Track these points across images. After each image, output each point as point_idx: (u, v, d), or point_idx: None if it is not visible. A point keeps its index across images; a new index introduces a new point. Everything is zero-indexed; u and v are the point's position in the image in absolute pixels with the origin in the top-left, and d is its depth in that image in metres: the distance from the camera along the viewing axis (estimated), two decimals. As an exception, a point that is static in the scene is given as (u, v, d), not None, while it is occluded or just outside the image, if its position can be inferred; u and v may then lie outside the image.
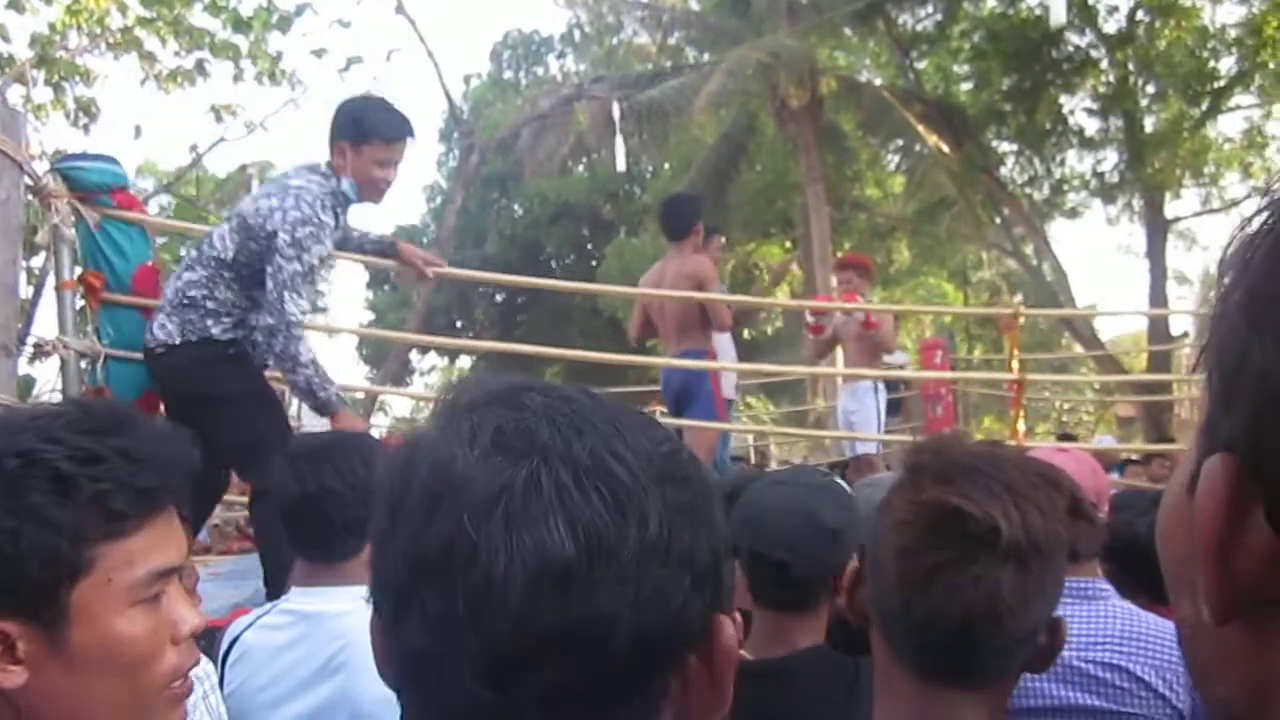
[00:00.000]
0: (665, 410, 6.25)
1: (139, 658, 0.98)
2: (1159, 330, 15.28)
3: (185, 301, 3.15)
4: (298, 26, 11.60)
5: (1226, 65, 15.44)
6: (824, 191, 15.51)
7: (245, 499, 3.78)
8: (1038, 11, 14.91)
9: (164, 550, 1.00)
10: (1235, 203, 17.20)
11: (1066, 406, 21.47)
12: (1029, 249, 18.46)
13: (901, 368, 8.07)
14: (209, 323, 3.13)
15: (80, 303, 3.67)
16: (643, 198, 20.84)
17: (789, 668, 1.60)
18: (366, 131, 3.14)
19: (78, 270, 3.64)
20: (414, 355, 22.95)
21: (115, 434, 0.98)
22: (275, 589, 2.81)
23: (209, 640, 2.01)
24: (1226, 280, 0.43)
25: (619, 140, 13.37)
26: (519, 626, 0.53)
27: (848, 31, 17.26)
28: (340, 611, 1.78)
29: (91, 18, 10.49)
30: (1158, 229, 16.69)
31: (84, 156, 3.74)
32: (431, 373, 25.50)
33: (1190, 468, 0.45)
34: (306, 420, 3.59)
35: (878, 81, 17.52)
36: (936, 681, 1.03)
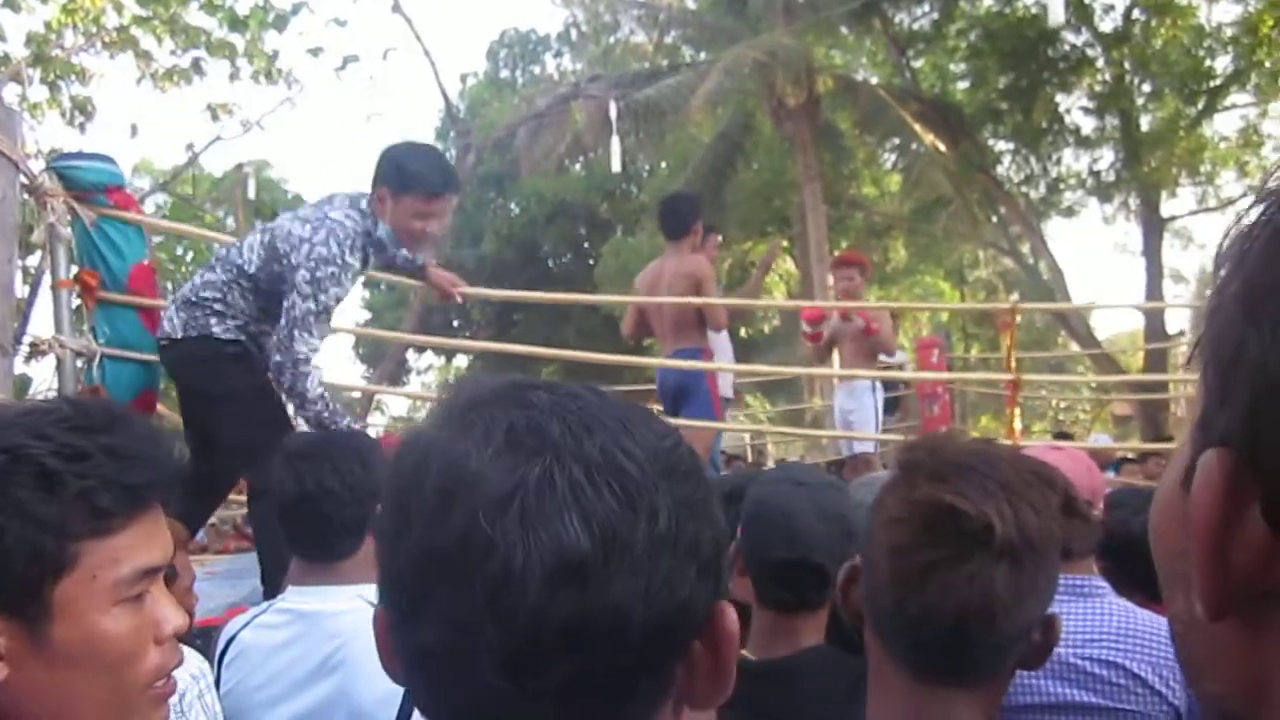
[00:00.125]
0: (662, 409, 6.26)
1: (122, 656, 0.98)
2: (1155, 329, 15.33)
3: (195, 299, 3.16)
4: (294, 25, 11.59)
5: (1222, 64, 15.48)
6: (821, 190, 15.51)
7: (243, 497, 3.78)
8: (1034, 10, 14.92)
9: (149, 549, 1.00)
10: (1231, 201, 17.21)
11: (1063, 405, 21.50)
12: (1025, 247, 18.48)
13: (901, 367, 8.07)
14: (212, 321, 3.13)
15: (76, 302, 3.67)
16: (640, 197, 20.83)
17: (794, 667, 1.60)
18: (408, 182, 3.06)
19: (74, 269, 3.63)
20: (411, 354, 22.95)
21: (104, 432, 0.97)
22: (273, 587, 2.81)
23: (205, 639, 2.02)
24: (1222, 273, 0.43)
25: (615, 140, 13.36)
26: (537, 620, 0.55)
27: (844, 30, 17.28)
28: (337, 610, 1.78)
29: (87, 16, 10.46)
30: (1154, 228, 16.71)
31: (80, 155, 3.73)
32: (428, 372, 25.52)
33: (1184, 462, 0.45)
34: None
35: (874, 80, 17.52)
36: (930, 679, 1.03)
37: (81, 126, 10.74)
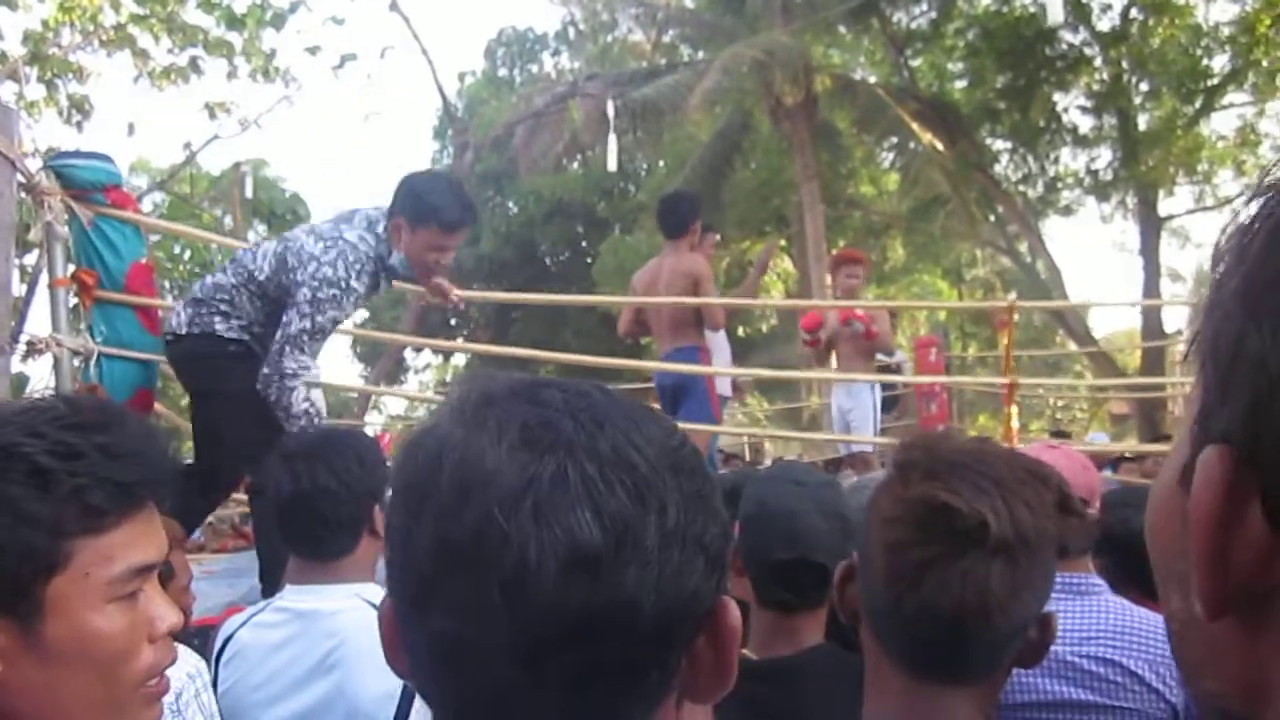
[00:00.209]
0: (660, 409, 6.24)
1: (115, 654, 0.97)
2: (1153, 327, 15.33)
3: (203, 297, 3.19)
4: (292, 23, 11.59)
5: (1220, 63, 15.50)
6: (818, 189, 15.51)
7: (243, 496, 3.78)
8: (1032, 9, 14.92)
9: (143, 547, 1.00)
10: (1228, 200, 17.21)
11: (1060, 404, 21.52)
12: (1023, 246, 18.49)
13: (899, 365, 8.06)
14: (216, 320, 3.15)
15: (73, 300, 3.67)
16: (637, 195, 20.82)
17: (797, 666, 1.60)
18: (425, 214, 3.05)
19: (71, 268, 3.63)
20: (408, 353, 22.94)
21: (98, 430, 0.97)
22: (272, 585, 2.81)
23: (203, 638, 2.02)
24: (1221, 267, 0.42)
25: (612, 138, 13.35)
26: (551, 610, 0.56)
27: (842, 29, 17.29)
28: (335, 609, 1.78)
29: (85, 15, 10.46)
30: (1151, 226, 16.73)
31: (78, 154, 3.73)
32: (426, 371, 25.51)
33: (1181, 459, 0.44)
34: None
35: (872, 79, 17.53)
36: (927, 677, 1.03)
37: (79, 125, 10.75)
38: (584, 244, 22.62)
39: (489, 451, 0.58)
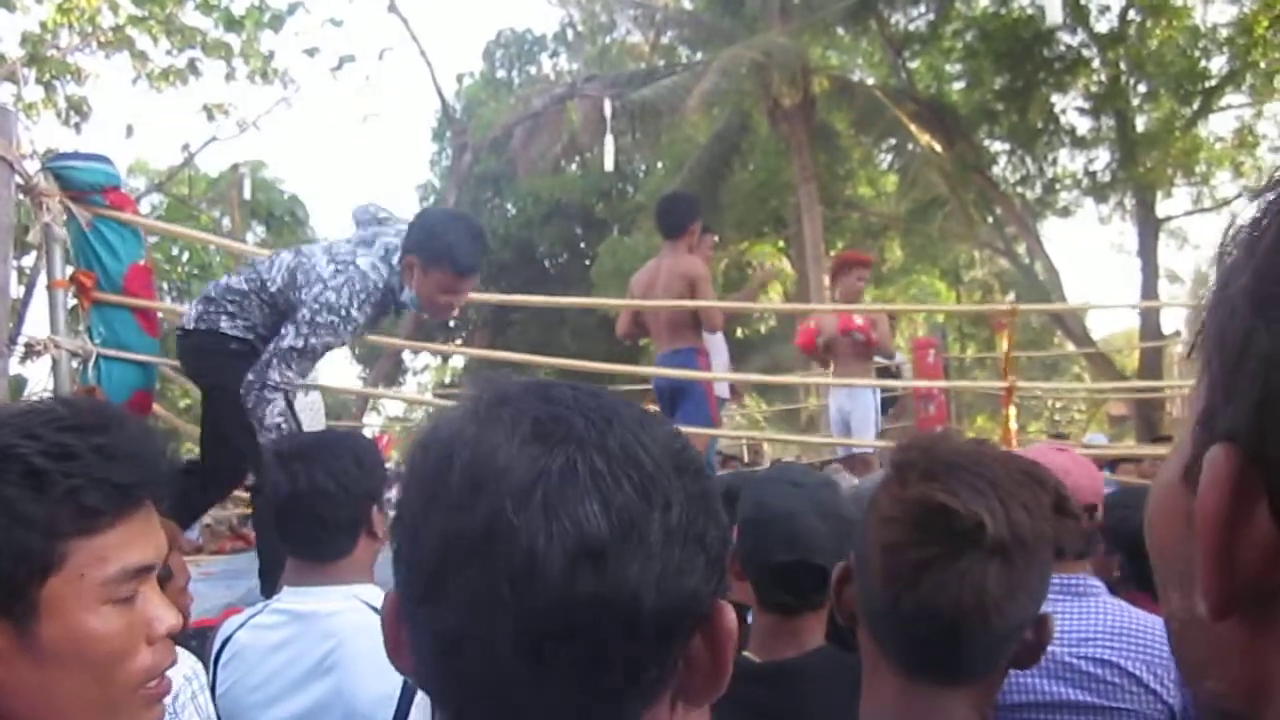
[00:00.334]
0: (658, 410, 6.24)
1: (111, 656, 0.97)
2: (1151, 328, 15.35)
3: (215, 296, 3.21)
4: (290, 25, 11.60)
5: (1218, 64, 15.50)
6: (817, 191, 15.51)
7: (242, 495, 3.78)
8: (1030, 11, 14.94)
9: (139, 548, 0.99)
10: (1226, 202, 17.25)
11: (1058, 405, 21.54)
12: (1021, 248, 18.49)
13: (898, 367, 8.06)
14: (222, 319, 3.18)
15: (72, 302, 3.66)
16: (636, 197, 20.83)
17: (800, 668, 1.60)
18: (438, 257, 3.00)
19: (69, 270, 3.63)
20: (407, 354, 22.93)
21: (94, 432, 0.97)
22: (272, 585, 2.82)
23: (201, 640, 2.02)
24: (1228, 263, 0.42)
25: (609, 139, 13.35)
26: (557, 600, 0.57)
27: (840, 31, 17.28)
28: (332, 611, 1.78)
29: (83, 16, 10.46)
30: (1149, 228, 16.73)
31: (77, 155, 3.73)
32: (425, 372, 25.49)
33: (1183, 458, 0.44)
34: (305, 420, 3.61)
35: (870, 81, 17.54)
36: (924, 678, 1.04)
37: (77, 126, 10.74)
38: (582, 245, 22.63)
39: (501, 447, 0.60)
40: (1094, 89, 16.14)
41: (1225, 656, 0.43)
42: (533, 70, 24.19)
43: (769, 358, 17.47)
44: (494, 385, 0.66)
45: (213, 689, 1.78)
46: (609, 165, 14.01)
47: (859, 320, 6.06)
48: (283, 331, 3.02)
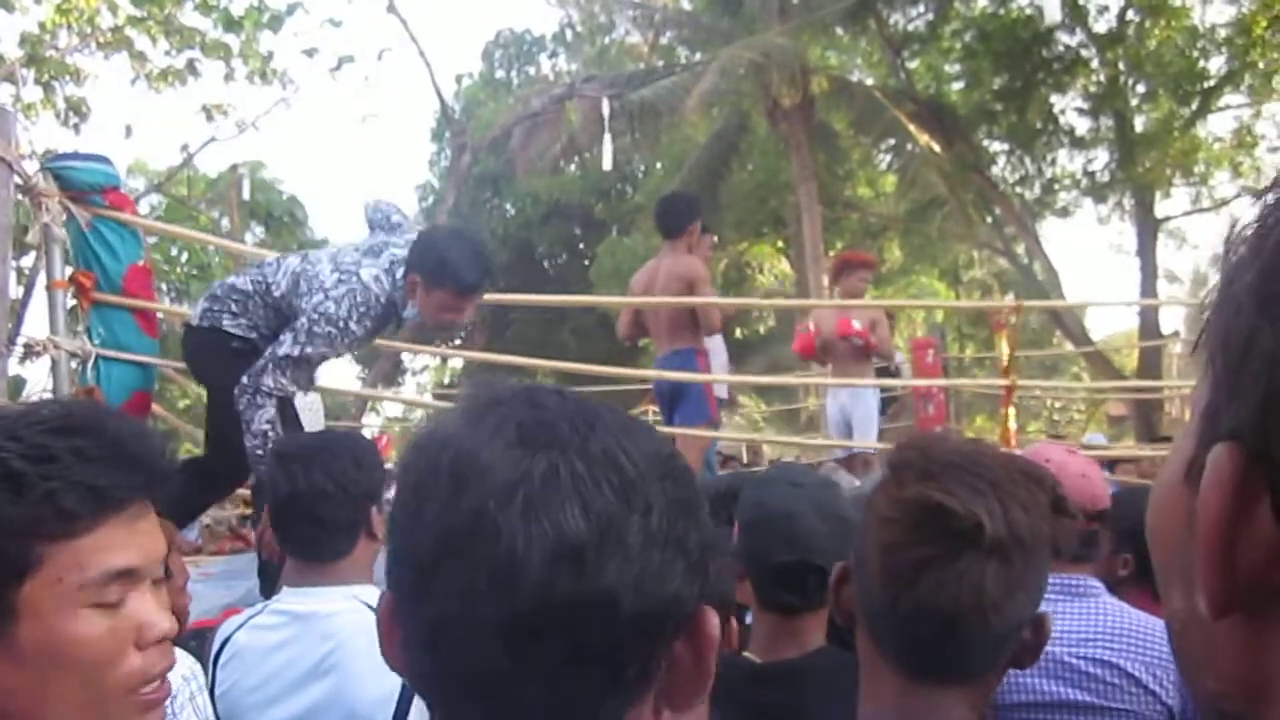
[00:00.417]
0: (658, 410, 6.24)
1: (95, 660, 0.96)
2: (1150, 328, 15.37)
3: (220, 294, 3.21)
4: (289, 26, 11.61)
5: (1216, 65, 15.49)
6: (816, 191, 15.51)
7: (243, 494, 3.78)
8: (1028, 11, 14.95)
9: (123, 551, 0.98)
10: (1225, 202, 17.26)
11: (1058, 405, 21.55)
12: (1020, 248, 18.49)
13: (898, 367, 8.06)
14: (224, 317, 3.18)
15: (71, 303, 3.66)
16: (635, 197, 20.83)
17: (803, 668, 1.60)
18: (442, 278, 2.98)
19: (69, 270, 3.63)
20: (406, 355, 22.92)
21: (77, 434, 0.96)
22: (271, 585, 2.81)
23: (200, 641, 2.01)
24: (1234, 261, 0.41)
25: (607, 139, 13.35)
26: (536, 598, 0.59)
27: (839, 31, 17.28)
28: (332, 611, 1.78)
29: (82, 17, 10.46)
30: (1148, 228, 16.73)
31: (76, 156, 3.73)
32: (424, 373, 25.48)
33: (1184, 456, 0.44)
34: (305, 420, 3.60)
35: (869, 81, 17.53)
36: (922, 677, 1.04)
37: (76, 127, 10.74)
38: (581, 245, 22.62)
39: (486, 448, 0.62)
40: (1093, 89, 16.14)
41: (1225, 655, 0.43)
42: (532, 71, 24.20)
43: (768, 358, 17.48)
44: (485, 389, 0.68)
45: (212, 690, 1.78)
46: (607, 165, 14.00)
47: (857, 325, 6.04)
48: (281, 338, 3.01)
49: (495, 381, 0.69)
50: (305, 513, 1.83)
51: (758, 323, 21.08)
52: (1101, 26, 15.65)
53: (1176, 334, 15.17)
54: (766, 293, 20.42)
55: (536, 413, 0.64)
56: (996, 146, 17.52)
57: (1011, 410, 5.14)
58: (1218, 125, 34.93)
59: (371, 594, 1.81)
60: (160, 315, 3.90)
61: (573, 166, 20.56)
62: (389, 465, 2.58)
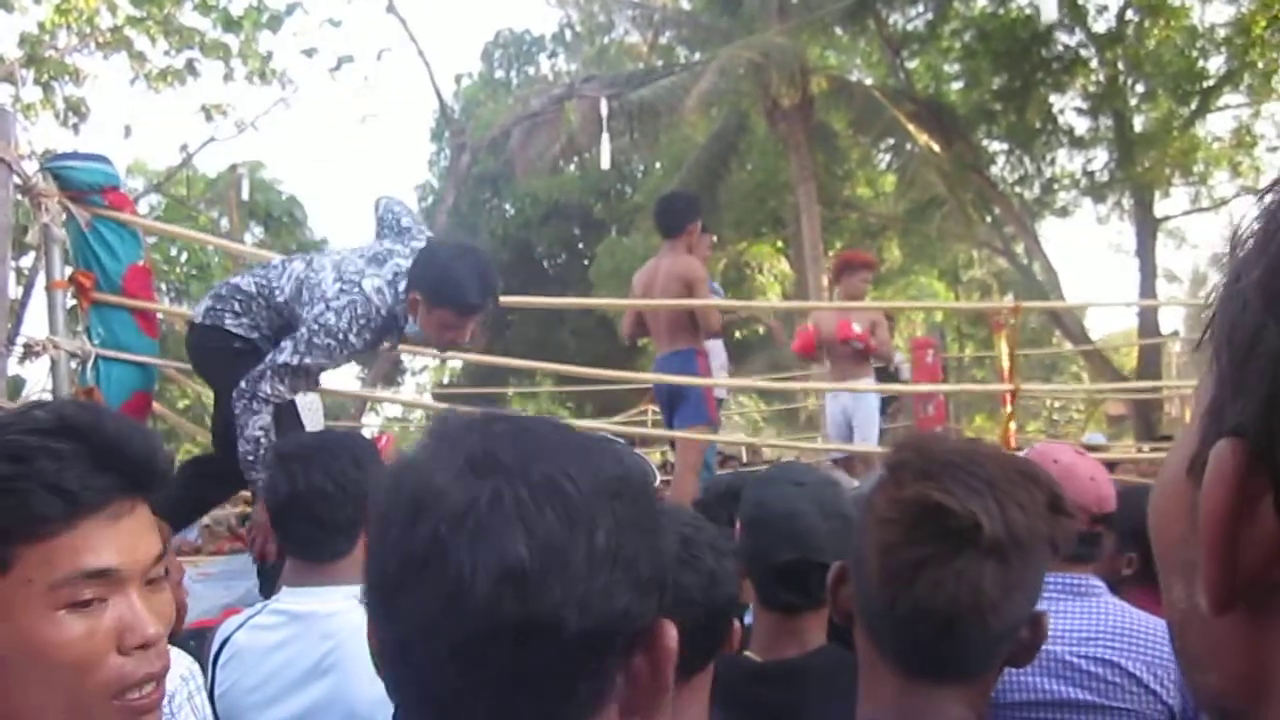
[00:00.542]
0: (657, 410, 6.25)
1: (72, 663, 0.94)
2: (1149, 328, 15.38)
3: (224, 293, 3.21)
4: (288, 26, 11.61)
5: (1215, 65, 15.49)
6: (815, 191, 15.50)
7: (244, 494, 3.77)
8: (1028, 11, 14.95)
9: (98, 551, 0.96)
10: (1224, 201, 17.28)
11: (1057, 405, 21.55)
12: (1019, 248, 18.49)
13: (897, 368, 8.06)
14: (226, 316, 3.17)
15: (71, 303, 3.66)
16: (634, 197, 20.82)
17: (805, 667, 1.60)
18: (443, 297, 2.96)
19: (68, 270, 3.63)
20: (405, 355, 22.92)
21: (60, 435, 0.95)
22: (271, 585, 2.81)
23: (200, 640, 2.01)
24: (1240, 257, 0.41)
25: (605, 139, 13.34)
26: (483, 618, 0.62)
27: (838, 31, 17.27)
28: (331, 611, 1.78)
29: (81, 17, 10.46)
30: (1147, 228, 16.74)
31: (75, 156, 3.72)
32: (423, 373, 25.48)
33: (1188, 451, 0.44)
34: (305, 420, 3.59)
35: (868, 81, 17.52)
36: (921, 676, 1.04)
37: (75, 127, 10.74)
38: (580, 246, 22.62)
39: (438, 475, 0.66)
40: (1092, 89, 16.14)
41: (1225, 651, 0.43)
42: (531, 71, 24.19)
43: (768, 359, 17.47)
44: (445, 419, 0.72)
45: (211, 690, 1.78)
46: (605, 165, 14.00)
47: (857, 328, 6.03)
48: (281, 345, 2.99)
49: (454, 412, 0.73)
50: (304, 513, 1.83)
51: (757, 323, 21.07)
52: (1101, 26, 15.67)
53: (1176, 333, 15.19)
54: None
55: (485, 441, 0.67)
56: (996, 146, 17.53)
57: (1010, 410, 5.13)
58: (1217, 125, 34.95)
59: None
60: (160, 315, 3.89)
61: (572, 166, 20.56)
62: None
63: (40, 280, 4.04)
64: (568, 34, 23.45)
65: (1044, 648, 1.11)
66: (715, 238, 7.71)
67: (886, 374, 7.47)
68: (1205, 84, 15.46)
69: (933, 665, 1.03)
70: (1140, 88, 16.16)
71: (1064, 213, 18.38)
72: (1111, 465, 6.98)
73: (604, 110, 13.59)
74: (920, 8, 16.79)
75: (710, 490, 2.77)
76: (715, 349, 5.55)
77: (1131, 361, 16.47)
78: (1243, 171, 16.85)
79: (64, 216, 3.53)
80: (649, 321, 5.41)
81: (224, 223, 16.13)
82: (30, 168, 3.55)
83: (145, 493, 1.02)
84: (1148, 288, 16.39)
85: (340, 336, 2.97)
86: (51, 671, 0.94)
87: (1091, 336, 18.34)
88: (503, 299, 3.21)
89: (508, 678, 0.64)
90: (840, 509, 1.67)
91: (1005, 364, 5.22)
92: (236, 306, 3.16)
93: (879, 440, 6.18)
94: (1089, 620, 1.80)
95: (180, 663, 1.48)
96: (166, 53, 10.99)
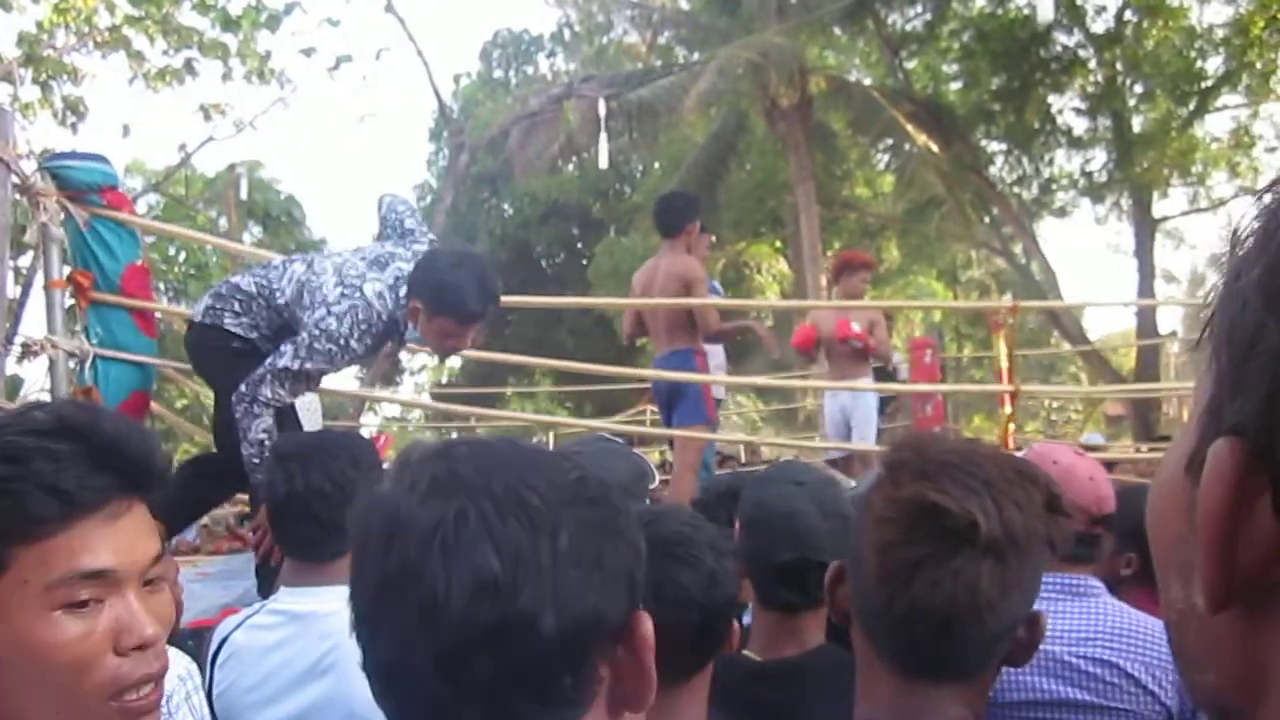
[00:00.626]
0: (656, 410, 6.25)
1: (68, 664, 0.94)
2: (1147, 329, 15.39)
3: (224, 293, 3.20)
4: (287, 25, 11.61)
5: (1214, 65, 15.49)
6: (814, 191, 15.50)
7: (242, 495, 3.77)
8: (1026, 11, 14.95)
9: (94, 552, 0.95)
10: (1222, 202, 17.28)
11: (1055, 405, 21.57)
12: (1018, 248, 18.50)
13: (896, 368, 8.07)
14: (226, 315, 3.16)
15: (69, 302, 3.66)
16: (633, 197, 20.82)
17: (805, 666, 1.60)
18: (444, 306, 2.94)
19: (67, 270, 3.62)
20: (404, 354, 22.90)
21: (57, 436, 0.95)
22: (269, 586, 2.81)
23: (198, 640, 2.01)
24: (1240, 255, 0.41)
25: (603, 139, 13.34)
26: (461, 628, 0.66)
27: (837, 31, 17.27)
28: (329, 611, 1.78)
29: (79, 16, 10.45)
30: (1145, 228, 16.75)
31: (74, 155, 3.72)
32: (422, 372, 25.48)
33: (1186, 449, 0.44)
34: (304, 420, 3.59)
35: (867, 81, 17.53)
36: (918, 676, 1.04)
37: (73, 126, 10.73)
38: (579, 245, 22.62)
39: (404, 502, 0.70)
40: (1090, 89, 16.15)
41: (1223, 650, 0.43)
42: (530, 70, 24.18)
43: (767, 358, 17.47)
44: (409, 450, 0.76)
45: (210, 689, 1.78)
46: (604, 164, 14.00)
47: (856, 328, 6.03)
48: (282, 349, 2.98)
49: (421, 444, 0.77)
50: (303, 513, 1.82)
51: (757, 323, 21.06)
52: (1099, 27, 15.67)
53: (1174, 334, 15.20)
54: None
55: (447, 464, 0.71)
56: (994, 146, 17.53)
57: (1009, 410, 5.13)
58: (1215, 125, 34.89)
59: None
60: (158, 315, 3.89)
61: (571, 166, 20.56)
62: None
63: (38, 280, 4.03)
64: (566, 34, 23.45)
65: (1042, 648, 1.11)
66: (714, 237, 7.71)
67: (885, 374, 7.48)
68: (1203, 84, 15.46)
69: (930, 665, 1.04)
70: (1139, 88, 16.16)
71: (1062, 213, 18.39)
72: (1110, 465, 7.00)
73: (602, 110, 13.60)
74: (919, 8, 16.79)
75: (709, 490, 2.77)
76: (714, 352, 5.55)
77: (1130, 362, 16.48)
78: (1241, 172, 16.86)
79: (62, 216, 3.53)
80: (648, 321, 5.41)
81: (222, 222, 16.13)
82: (28, 167, 3.55)
83: (143, 493, 1.02)
84: (1146, 288, 16.40)
85: (341, 342, 2.95)
86: (48, 673, 0.94)
87: (1090, 337, 18.35)
88: (502, 299, 3.20)
89: (490, 681, 0.67)
90: (840, 508, 1.67)
91: (1004, 364, 5.23)
92: (236, 306, 3.15)
93: (877, 440, 6.18)
94: (1087, 620, 1.80)
95: (178, 662, 1.48)
96: (165, 52, 10.99)
